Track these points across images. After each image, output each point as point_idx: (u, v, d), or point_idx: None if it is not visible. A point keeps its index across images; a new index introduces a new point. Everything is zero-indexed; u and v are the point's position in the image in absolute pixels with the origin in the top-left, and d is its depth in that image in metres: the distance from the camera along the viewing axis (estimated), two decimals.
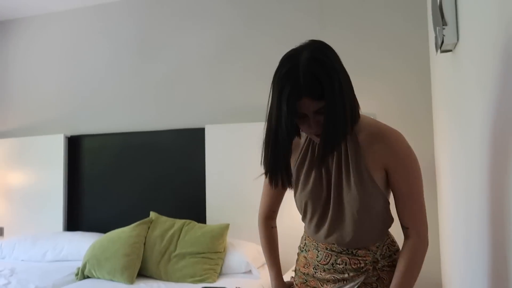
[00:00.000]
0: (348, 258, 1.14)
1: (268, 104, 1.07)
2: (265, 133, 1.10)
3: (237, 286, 2.23)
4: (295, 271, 1.30)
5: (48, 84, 3.54)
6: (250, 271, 2.46)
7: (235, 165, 2.89)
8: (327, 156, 1.08)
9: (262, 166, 1.15)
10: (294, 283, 1.28)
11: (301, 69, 0.97)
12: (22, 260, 2.93)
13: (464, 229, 1.52)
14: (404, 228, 1.10)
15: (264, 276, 2.46)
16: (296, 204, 1.22)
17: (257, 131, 2.79)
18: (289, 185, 1.15)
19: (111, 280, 2.44)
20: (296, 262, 1.30)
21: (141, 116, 3.25)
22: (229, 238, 2.68)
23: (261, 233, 1.36)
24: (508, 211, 0.85)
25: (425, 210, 1.10)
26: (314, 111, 1.00)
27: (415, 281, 1.09)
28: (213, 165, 2.94)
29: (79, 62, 3.47)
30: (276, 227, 1.37)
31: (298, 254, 1.30)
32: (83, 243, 2.84)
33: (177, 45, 3.20)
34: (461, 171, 1.50)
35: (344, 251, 1.14)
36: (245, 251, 2.53)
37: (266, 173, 1.14)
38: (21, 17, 3.65)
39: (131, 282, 2.38)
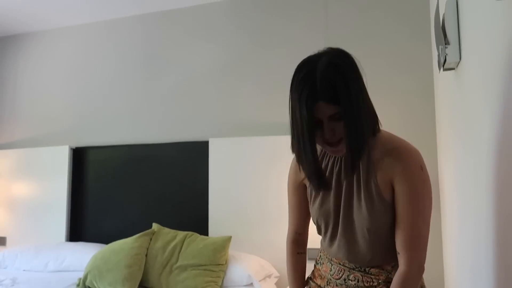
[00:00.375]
0: (360, 275, 1.11)
1: (289, 110, 1.04)
2: (292, 140, 1.07)
3: None
4: (308, 279, 1.29)
5: (55, 97, 3.59)
6: (251, 284, 2.46)
7: (238, 178, 2.91)
8: (356, 163, 1.03)
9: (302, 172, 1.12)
10: None
11: (318, 74, 0.96)
12: (24, 270, 2.92)
13: (471, 246, 1.52)
14: (397, 254, 1.05)
15: None
16: (312, 219, 1.22)
17: (260, 145, 2.86)
18: (325, 186, 1.10)
19: None
20: (312, 272, 1.28)
21: (146, 129, 3.28)
22: (231, 251, 2.68)
23: (287, 259, 1.30)
24: None
25: (424, 239, 1.03)
26: (329, 116, 0.98)
27: None
28: (216, 178, 2.96)
29: (86, 76, 3.52)
30: (304, 252, 1.30)
31: (314, 265, 1.28)
32: (85, 253, 2.85)
33: (183, 60, 3.25)
34: (466, 186, 1.51)
35: (356, 267, 1.12)
36: (247, 264, 2.52)
37: (309, 179, 1.11)
38: (31, 31, 3.73)
39: None
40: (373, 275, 1.10)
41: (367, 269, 1.11)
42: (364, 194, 1.06)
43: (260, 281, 2.46)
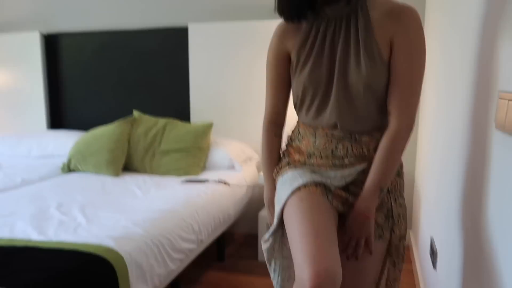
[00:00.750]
0: (350, 144, 1.08)
1: None
2: None
3: (220, 178, 2.32)
4: (281, 157, 1.21)
5: None
6: (233, 166, 2.55)
7: (220, 65, 2.83)
8: None
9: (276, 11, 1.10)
10: (279, 176, 1.18)
11: None
12: (8, 156, 2.96)
13: (444, 129, 1.56)
14: (389, 114, 1.06)
15: (247, 170, 2.56)
16: (293, 93, 1.16)
17: (243, 30, 2.73)
18: (303, 14, 1.08)
19: (97, 173, 2.51)
20: (281, 160, 1.20)
21: (122, 13, 3.07)
22: (213, 136, 2.73)
23: (262, 140, 1.23)
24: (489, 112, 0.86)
25: (417, 97, 1.03)
26: None
27: (394, 170, 1.07)
28: (197, 65, 2.87)
29: None
30: (280, 135, 1.23)
31: (288, 144, 1.22)
32: (67, 140, 2.87)
33: None
34: (452, 64, 1.49)
35: (346, 136, 1.08)
36: (228, 148, 2.59)
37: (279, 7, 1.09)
38: None
39: (117, 174, 2.46)
40: (364, 143, 1.08)
41: (357, 136, 1.08)
42: (363, 53, 1.02)
43: (241, 163, 2.55)
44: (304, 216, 1.00)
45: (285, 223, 1.07)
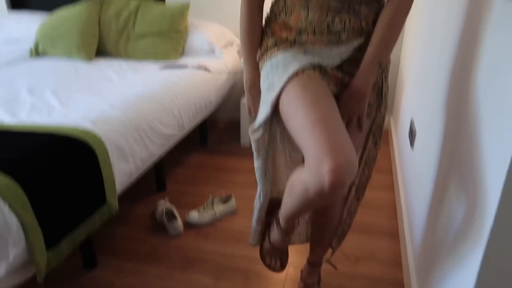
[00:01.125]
0: (348, 16, 0.98)
1: None
2: None
3: (200, 64, 2.22)
4: (262, 51, 1.08)
5: None
6: (213, 51, 2.43)
7: None
8: None
9: None
10: (264, 57, 1.06)
11: None
12: None
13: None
14: None
15: (228, 56, 2.45)
16: None
17: None
18: None
19: (68, 57, 2.36)
20: (265, 40, 1.07)
21: None
22: (191, 19, 2.55)
23: (241, 15, 1.07)
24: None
25: None
26: None
27: (394, 43, 0.99)
28: None
29: None
30: (262, 8, 1.08)
31: (269, 20, 1.08)
32: (32, 23, 2.64)
33: None
34: None
35: (344, 7, 0.97)
36: (208, 32, 2.43)
37: None
38: None
39: (90, 59, 2.32)
40: (363, 14, 0.98)
41: (356, 7, 0.97)
42: None
43: (221, 48, 2.43)
44: (312, 104, 0.91)
45: (283, 111, 0.97)
